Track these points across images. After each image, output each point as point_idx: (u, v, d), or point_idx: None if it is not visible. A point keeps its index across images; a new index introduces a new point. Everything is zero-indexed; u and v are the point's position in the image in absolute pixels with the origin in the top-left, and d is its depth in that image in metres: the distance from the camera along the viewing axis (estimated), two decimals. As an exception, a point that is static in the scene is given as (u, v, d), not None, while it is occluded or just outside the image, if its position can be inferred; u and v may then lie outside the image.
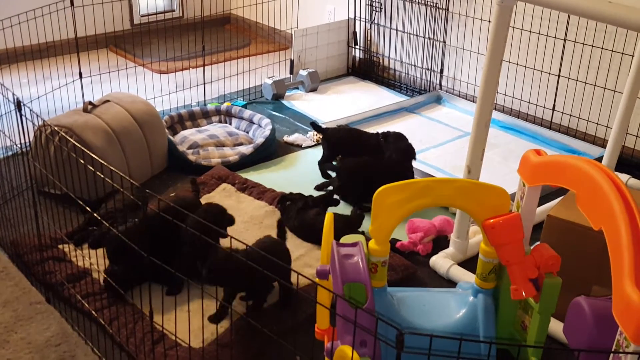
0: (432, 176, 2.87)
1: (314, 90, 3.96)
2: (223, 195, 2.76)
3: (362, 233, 2.41)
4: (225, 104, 3.51)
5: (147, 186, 2.78)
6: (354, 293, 1.62)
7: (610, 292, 1.79)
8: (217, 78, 3.88)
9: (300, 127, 3.46)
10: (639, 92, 2.66)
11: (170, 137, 3.04)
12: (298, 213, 2.49)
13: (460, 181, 1.85)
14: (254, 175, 2.93)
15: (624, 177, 2.87)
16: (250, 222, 2.56)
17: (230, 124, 3.40)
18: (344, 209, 2.67)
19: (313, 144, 3.26)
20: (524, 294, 1.71)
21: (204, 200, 2.60)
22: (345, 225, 2.30)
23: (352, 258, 1.66)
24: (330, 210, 2.51)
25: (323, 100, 3.85)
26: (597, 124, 3.17)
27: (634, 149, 3.03)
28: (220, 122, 3.41)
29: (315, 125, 3.05)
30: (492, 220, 1.73)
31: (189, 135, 3.15)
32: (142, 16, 4.68)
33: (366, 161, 2.75)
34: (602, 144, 3.12)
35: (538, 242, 1.82)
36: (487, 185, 1.83)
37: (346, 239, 1.85)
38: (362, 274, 1.60)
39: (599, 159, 2.90)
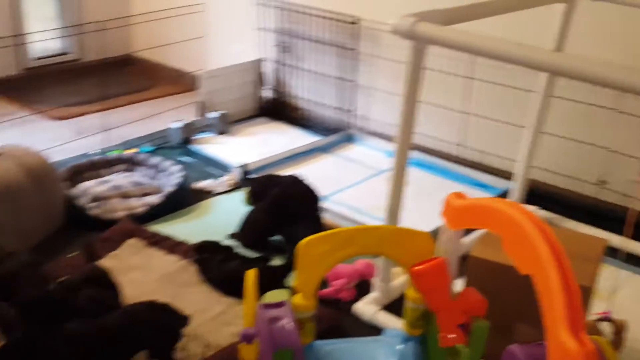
0: (351, 218, 2.86)
1: (224, 132, 3.88)
2: (130, 252, 2.60)
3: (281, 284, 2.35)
4: (130, 151, 3.36)
5: (43, 247, 2.61)
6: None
7: (533, 330, 1.82)
8: (120, 123, 3.72)
9: (212, 172, 3.37)
10: (542, 127, 2.78)
11: (67, 190, 2.86)
12: (219, 264, 2.40)
13: (385, 228, 1.84)
14: (164, 227, 2.80)
15: (532, 208, 2.96)
16: (162, 281, 2.43)
17: (136, 172, 3.24)
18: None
19: (226, 189, 3.18)
20: (453, 340, 1.70)
21: (110, 259, 2.45)
22: (269, 279, 2.23)
23: (281, 321, 1.59)
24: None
25: (235, 142, 3.79)
26: (503, 157, 3.28)
27: (539, 181, 3.14)
28: (124, 171, 3.24)
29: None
30: (419, 267, 1.71)
31: (90, 187, 2.98)
32: (35, 59, 4.45)
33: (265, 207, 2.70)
34: (509, 177, 3.22)
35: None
36: (412, 231, 1.83)
37: (271, 296, 1.79)
38: (293, 340, 1.54)
39: (507, 192, 3.00)
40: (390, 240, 1.78)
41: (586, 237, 2.08)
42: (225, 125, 3.89)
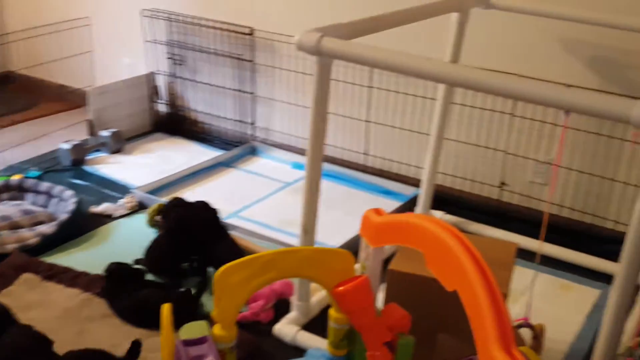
0: (262, 235, 2.80)
1: (118, 151, 3.70)
2: (26, 288, 2.40)
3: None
4: (16, 177, 3.12)
5: None
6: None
7: (457, 340, 1.84)
8: (2, 146, 3.46)
9: (109, 194, 3.19)
10: (444, 133, 2.84)
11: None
12: (129, 294, 2.26)
13: (304, 250, 1.79)
14: (61, 259, 2.60)
15: (438, 213, 3.02)
16: (65, 317, 2.27)
17: (25, 200, 3.02)
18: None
19: (126, 212, 3.02)
20: (380, 358, 1.69)
21: (3, 297, 2.26)
22: (185, 308, 2.13)
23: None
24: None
25: (130, 161, 3.62)
26: (408, 164, 3.32)
27: (443, 185, 3.20)
28: (11, 199, 3.00)
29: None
30: (341, 288, 1.68)
31: (-25, 218, 2.75)
32: None
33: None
34: (414, 183, 3.27)
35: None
36: (331, 251, 1.79)
37: (189, 330, 1.70)
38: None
39: (414, 198, 3.04)
40: (310, 262, 1.73)
41: (497, 242, 2.13)
42: (119, 144, 3.70)
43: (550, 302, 2.46)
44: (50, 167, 3.46)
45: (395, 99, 3.24)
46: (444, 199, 3.15)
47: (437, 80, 2.01)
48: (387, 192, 3.30)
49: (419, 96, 3.15)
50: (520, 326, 1.93)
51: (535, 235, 2.65)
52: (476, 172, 3.14)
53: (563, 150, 2.88)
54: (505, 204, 3.09)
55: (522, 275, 2.49)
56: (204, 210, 2.61)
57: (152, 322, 2.17)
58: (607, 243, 2.78)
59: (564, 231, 2.91)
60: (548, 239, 2.70)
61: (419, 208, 2.94)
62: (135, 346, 1.94)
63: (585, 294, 2.53)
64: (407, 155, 3.31)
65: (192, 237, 2.52)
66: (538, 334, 1.93)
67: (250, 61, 3.61)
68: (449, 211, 3.03)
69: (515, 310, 2.35)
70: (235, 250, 2.50)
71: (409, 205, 3.10)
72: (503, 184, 3.08)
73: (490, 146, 3.05)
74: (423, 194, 2.91)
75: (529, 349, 1.44)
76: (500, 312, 1.29)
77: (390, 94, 3.24)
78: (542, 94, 1.52)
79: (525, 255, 2.57)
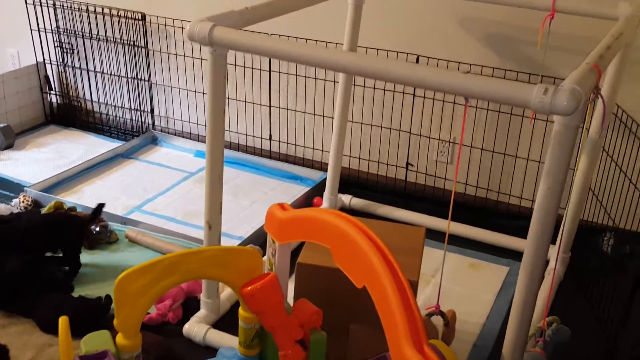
0: (166, 230, 2.70)
1: (10, 147, 3.47)
2: None
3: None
4: None
5: None
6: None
7: (369, 329, 1.83)
8: None
9: (1, 193, 2.99)
10: (347, 115, 2.81)
11: None
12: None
13: (208, 250, 1.72)
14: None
15: (346, 197, 3.00)
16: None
17: None
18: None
19: (21, 211, 2.84)
20: (292, 357, 1.65)
21: None
22: (87, 318, 2.02)
23: (107, 377, 1.43)
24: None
25: (23, 157, 3.40)
26: (313, 148, 3.29)
27: (350, 168, 3.19)
28: None
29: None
30: (249, 288, 1.63)
31: None
32: None
33: None
34: (321, 167, 3.24)
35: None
36: (237, 250, 1.74)
37: (89, 341, 1.61)
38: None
39: (322, 183, 3.01)
40: (215, 262, 1.67)
41: (405, 228, 2.13)
42: (10, 139, 3.48)
43: (460, 282, 2.49)
44: None
45: (297, 82, 3.18)
46: (351, 182, 3.14)
47: (329, 68, 1.96)
48: (295, 177, 3.26)
49: (320, 79, 3.11)
50: (431, 314, 1.94)
51: (443, 215, 2.68)
52: (382, 153, 3.14)
53: (466, 129, 2.92)
54: (412, 185, 3.12)
55: (432, 256, 2.52)
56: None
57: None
58: (514, 219, 2.85)
59: (471, 209, 2.97)
60: (455, 218, 2.73)
61: (326, 192, 2.91)
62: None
63: (494, 272, 2.57)
64: (312, 139, 3.28)
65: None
66: (449, 320, 1.95)
67: (144, 47, 3.45)
68: (357, 194, 3.03)
69: (427, 293, 2.37)
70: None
71: (317, 189, 3.07)
72: (409, 164, 3.10)
73: (394, 127, 3.06)
74: (330, 178, 2.89)
75: (440, 341, 1.44)
76: (410, 307, 1.28)
77: (292, 78, 3.18)
78: (443, 82, 1.50)
79: (434, 236, 2.59)
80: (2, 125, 3.45)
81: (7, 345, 2.02)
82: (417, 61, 2.86)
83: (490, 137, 2.90)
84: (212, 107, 1.95)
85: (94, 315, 2.13)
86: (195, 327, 2.14)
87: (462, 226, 2.78)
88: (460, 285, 2.47)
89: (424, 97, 2.94)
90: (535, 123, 2.79)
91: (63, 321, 1.58)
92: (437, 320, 1.96)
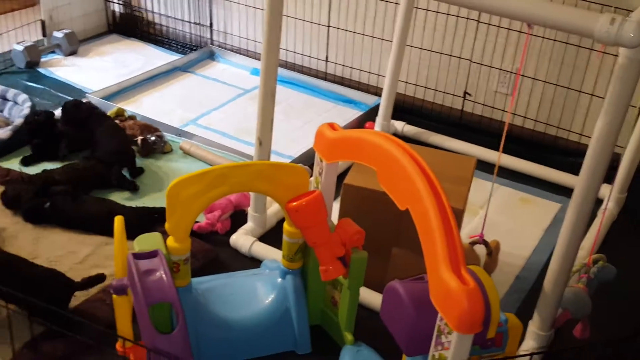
0: (218, 143, 2.74)
1: (73, 53, 3.54)
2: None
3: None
4: (-32, 80, 3.01)
5: None
6: (159, 314, 1.47)
7: (410, 254, 1.85)
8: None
9: (65, 98, 3.06)
10: (406, 40, 2.75)
11: None
12: (69, 201, 2.23)
13: (257, 164, 1.75)
14: (16, 164, 2.55)
15: (399, 124, 2.97)
16: (22, 223, 2.25)
17: (-21, 104, 2.91)
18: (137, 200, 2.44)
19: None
20: (333, 273, 1.69)
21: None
22: (136, 222, 2.10)
23: (155, 274, 1.49)
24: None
25: (86, 64, 3.47)
26: (369, 72, 3.24)
27: (405, 94, 3.14)
28: (-35, 103, 2.90)
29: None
30: (295, 203, 1.65)
31: None
32: None
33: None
34: (376, 92, 3.20)
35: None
36: (285, 166, 1.76)
37: (142, 242, 1.68)
38: (169, 294, 1.45)
39: (376, 108, 2.98)
40: (263, 176, 1.70)
41: (456, 157, 2.11)
42: (73, 46, 3.55)
43: (509, 215, 2.47)
44: (4, 69, 3.31)
45: (357, 2, 3.11)
46: (405, 109, 3.10)
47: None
48: (348, 101, 3.23)
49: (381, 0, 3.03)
50: (474, 243, 1.93)
51: (498, 148, 2.64)
52: (439, 81, 3.07)
53: (530, 60, 2.82)
54: (468, 115, 3.06)
55: (482, 188, 2.49)
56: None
57: (102, 231, 2.21)
58: (572, 156, 2.77)
59: (528, 143, 2.90)
60: (511, 152, 2.69)
61: (379, 118, 2.89)
62: (97, 278, 1.91)
63: (545, 208, 2.53)
64: (369, 62, 3.22)
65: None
66: (492, 250, 1.95)
67: (208, -41, 3.42)
68: (410, 121, 2.99)
69: (473, 224, 2.36)
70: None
71: (370, 114, 3.04)
72: (467, 93, 3.03)
73: (454, 54, 2.98)
74: (384, 104, 2.85)
75: (480, 267, 1.44)
76: (450, 232, 1.28)
77: (352, -3, 3.11)
78: (504, 5, 1.45)
79: (486, 168, 2.56)
80: (66, 31, 3.51)
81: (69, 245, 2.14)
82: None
83: (554, 70, 2.80)
84: (268, 22, 1.93)
85: (145, 223, 2.21)
86: (242, 239, 2.20)
87: (516, 160, 2.73)
88: (509, 218, 2.45)
89: (489, 23, 2.84)
90: (604, 57, 2.67)
91: (118, 220, 1.66)
92: (480, 250, 1.96)
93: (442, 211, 1.30)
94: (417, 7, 2.89)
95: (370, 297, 1.94)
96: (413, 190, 1.36)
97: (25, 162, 2.56)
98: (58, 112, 2.73)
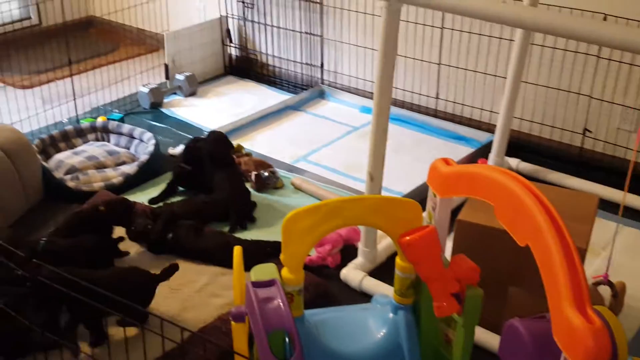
0: (328, 179, 2.78)
1: (192, 94, 3.74)
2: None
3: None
4: (100, 119, 3.23)
5: (23, 222, 2.55)
6: (273, 342, 1.49)
7: (528, 294, 1.78)
8: (88, 89, 3.57)
9: (185, 136, 3.24)
10: (521, 76, 2.70)
11: (44, 164, 2.75)
12: (191, 234, 2.32)
13: (371, 198, 1.76)
14: (141, 197, 2.69)
15: (513, 161, 2.91)
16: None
17: (109, 141, 3.11)
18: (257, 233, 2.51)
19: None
20: (448, 309, 1.65)
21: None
22: (251, 255, 2.15)
23: (273, 302, 1.52)
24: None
25: (204, 104, 3.65)
26: (481, 109, 3.20)
27: (519, 131, 3.07)
28: (97, 140, 3.11)
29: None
30: (408, 238, 1.64)
31: (64, 158, 2.85)
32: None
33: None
34: (488, 128, 3.15)
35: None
36: (398, 200, 1.75)
37: (259, 272, 1.72)
38: (286, 322, 1.47)
39: (488, 145, 2.93)
40: (376, 210, 1.70)
41: (577, 194, 2.03)
42: (193, 87, 3.75)
43: (633, 257, 2.33)
44: (131, 109, 3.54)
45: (469, 40, 3.10)
46: (520, 146, 3.02)
47: (514, 25, 1.88)
48: (459, 138, 3.20)
49: (494, 37, 3.00)
50: (598, 283, 1.84)
51: (620, 186, 2.51)
52: (556, 117, 2.98)
53: (652, 95, 2.69)
54: (589, 152, 2.94)
55: (605, 228, 2.37)
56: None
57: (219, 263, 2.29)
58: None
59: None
60: (636, 191, 2.55)
61: (492, 155, 2.83)
62: (172, 268, 2.02)
63: (671, 249, 2.38)
64: (481, 99, 3.19)
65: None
66: (618, 291, 1.84)
67: (319, 3, 3.53)
68: (525, 158, 2.92)
69: (596, 265, 2.25)
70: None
71: (483, 151, 2.99)
72: (587, 130, 2.92)
73: (573, 90, 2.89)
74: (497, 140, 2.80)
75: (606, 308, 1.37)
76: (574, 268, 1.23)
77: (464, 35, 3.10)
78: (629, 39, 1.40)
79: (609, 207, 2.44)
80: (187, 74, 3.72)
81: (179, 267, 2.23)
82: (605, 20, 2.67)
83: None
84: (382, 62, 1.96)
85: (259, 256, 2.26)
86: (352, 273, 2.21)
87: (641, 199, 2.59)
88: (634, 259, 2.31)
89: (610, 59, 2.74)
90: None
91: (238, 250, 1.71)
92: (604, 291, 1.86)
93: (565, 247, 1.25)
94: (532, 44, 2.84)
95: (486, 337, 1.88)
96: (534, 225, 1.32)
97: (153, 202, 2.68)
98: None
